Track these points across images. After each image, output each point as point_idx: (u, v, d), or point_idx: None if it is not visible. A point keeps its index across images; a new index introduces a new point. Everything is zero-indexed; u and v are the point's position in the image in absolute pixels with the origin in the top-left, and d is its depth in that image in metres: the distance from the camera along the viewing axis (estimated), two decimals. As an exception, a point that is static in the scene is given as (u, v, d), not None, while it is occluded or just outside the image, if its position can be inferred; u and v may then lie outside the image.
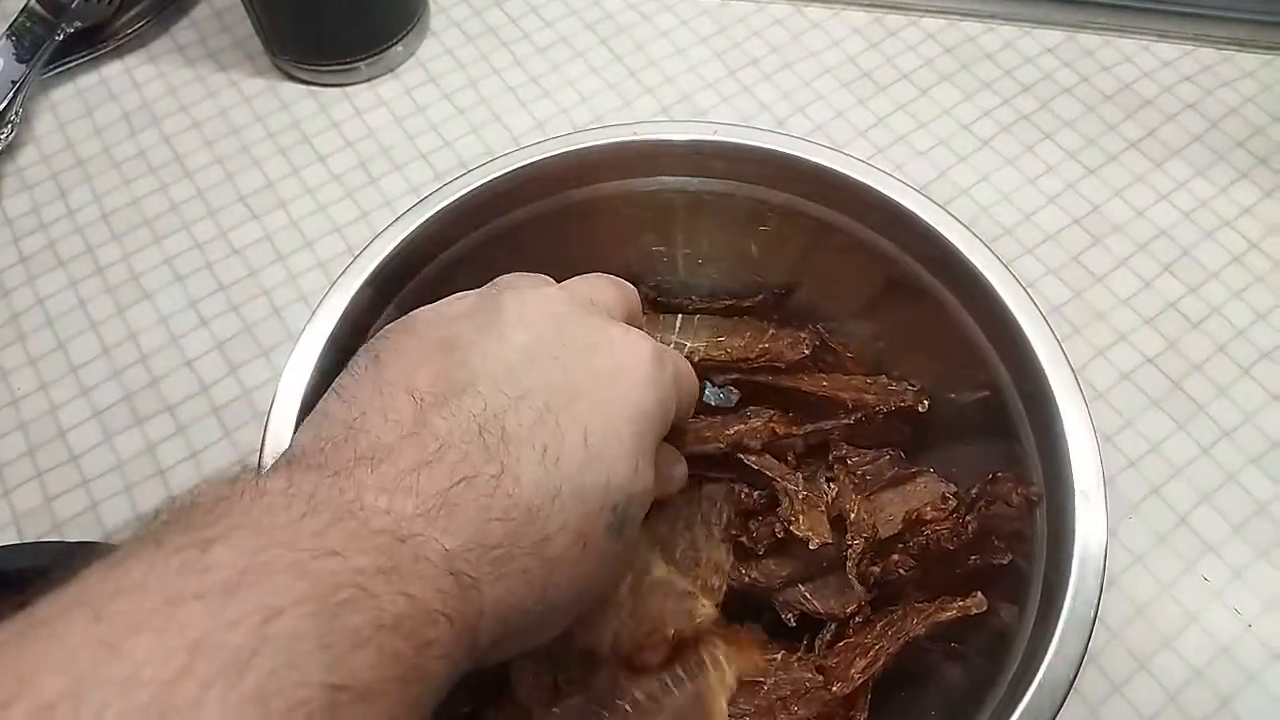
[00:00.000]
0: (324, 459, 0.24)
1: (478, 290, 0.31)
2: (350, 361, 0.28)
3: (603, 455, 0.26)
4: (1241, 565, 0.43)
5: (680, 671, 0.35)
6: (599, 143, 0.38)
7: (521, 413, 0.26)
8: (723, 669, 0.35)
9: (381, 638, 0.20)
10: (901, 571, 0.36)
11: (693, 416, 0.36)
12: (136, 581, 0.19)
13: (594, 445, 0.26)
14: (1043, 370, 0.32)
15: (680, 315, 0.43)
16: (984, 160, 0.54)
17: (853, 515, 0.36)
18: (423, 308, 0.30)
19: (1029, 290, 0.34)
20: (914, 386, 0.39)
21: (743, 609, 0.37)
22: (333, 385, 0.27)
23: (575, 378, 0.27)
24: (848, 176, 0.37)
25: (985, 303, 0.35)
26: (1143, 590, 0.42)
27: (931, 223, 0.36)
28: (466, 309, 0.29)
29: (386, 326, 0.29)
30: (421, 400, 0.25)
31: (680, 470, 0.34)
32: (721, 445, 0.37)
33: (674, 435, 0.32)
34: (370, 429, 0.24)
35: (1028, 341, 0.33)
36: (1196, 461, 0.45)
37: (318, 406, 0.27)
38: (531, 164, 0.38)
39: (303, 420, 0.28)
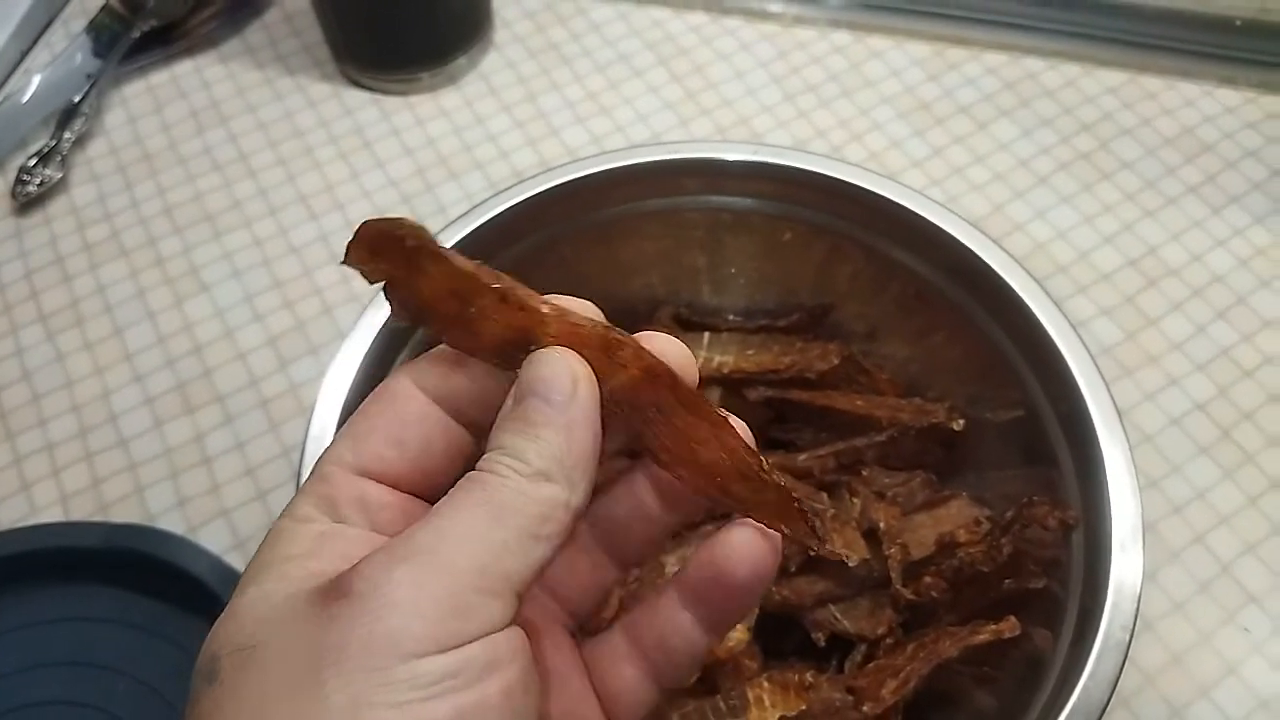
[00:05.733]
0: None
1: None
2: None
3: None
4: (1286, 618, 0.42)
5: (722, 705, 0.35)
6: (643, 160, 0.39)
7: None
8: (765, 709, 0.35)
9: None
10: (934, 594, 0.36)
11: None
12: None
13: None
14: (1081, 395, 0.32)
15: (708, 333, 0.43)
16: (1040, 197, 0.53)
17: (883, 525, 0.36)
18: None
19: (1066, 314, 0.34)
20: (947, 404, 0.39)
21: (774, 628, 0.37)
22: None
23: None
24: (883, 197, 0.37)
25: (1024, 327, 0.35)
26: (1181, 638, 0.41)
27: (969, 244, 0.36)
28: None
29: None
30: None
31: None
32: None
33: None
34: None
35: (1067, 366, 0.33)
36: (1243, 511, 0.44)
37: None
38: (577, 179, 0.39)
39: (344, 420, 0.28)
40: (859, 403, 0.41)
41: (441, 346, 0.24)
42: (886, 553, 0.36)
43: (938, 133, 0.56)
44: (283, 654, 0.20)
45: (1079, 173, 0.54)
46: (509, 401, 0.22)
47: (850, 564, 0.35)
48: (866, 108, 0.58)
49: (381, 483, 0.23)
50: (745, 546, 0.23)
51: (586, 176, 0.39)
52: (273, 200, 0.55)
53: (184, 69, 0.62)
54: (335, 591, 0.20)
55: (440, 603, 0.19)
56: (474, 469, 0.22)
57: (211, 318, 0.52)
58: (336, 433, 0.24)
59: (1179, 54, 0.59)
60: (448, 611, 0.19)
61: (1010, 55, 0.59)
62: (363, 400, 0.35)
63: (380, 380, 0.27)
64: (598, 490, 0.23)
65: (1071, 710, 0.28)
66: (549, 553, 0.21)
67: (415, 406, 0.23)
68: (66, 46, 0.62)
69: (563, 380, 0.22)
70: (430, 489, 0.24)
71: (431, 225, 0.53)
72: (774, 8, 0.63)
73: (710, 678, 0.37)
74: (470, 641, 0.19)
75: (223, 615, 0.21)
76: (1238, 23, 0.60)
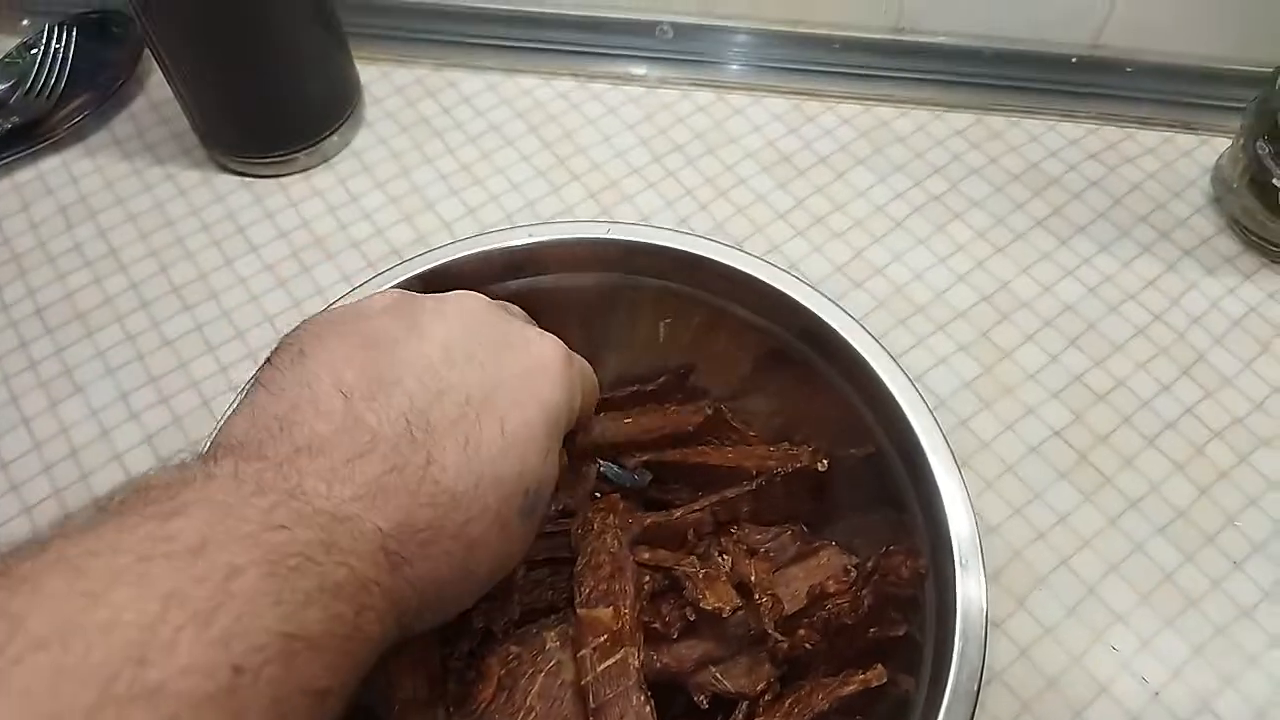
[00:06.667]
0: (263, 450, 0.26)
1: (395, 289, 0.34)
2: (272, 354, 0.29)
3: (518, 444, 0.29)
4: (1149, 634, 0.44)
5: None
6: (502, 245, 0.40)
7: (444, 406, 0.28)
8: None
9: (326, 599, 0.23)
10: (808, 646, 0.37)
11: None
12: (109, 544, 0.21)
13: (510, 435, 0.29)
14: (919, 442, 0.34)
15: None
16: (897, 240, 0.56)
17: (753, 577, 0.37)
18: (343, 304, 0.32)
19: (897, 360, 0.36)
20: (811, 448, 0.41)
21: (659, 695, 0.38)
22: (257, 377, 0.28)
23: (492, 373, 0.29)
24: (729, 266, 0.39)
25: (866, 382, 0.37)
26: (1053, 662, 0.43)
27: (810, 306, 0.38)
28: (386, 306, 0.31)
29: (305, 320, 0.30)
30: (350, 395, 0.27)
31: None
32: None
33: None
34: (303, 421, 0.26)
35: (904, 416, 0.35)
36: (1104, 532, 0.46)
37: (246, 397, 0.28)
38: (441, 264, 0.39)
39: None
40: (730, 454, 0.43)
41: None
42: (758, 602, 0.37)
43: (800, 184, 0.58)
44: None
45: (932, 214, 0.57)
46: None
47: (724, 615, 0.36)
48: (731, 163, 0.60)
49: None
50: None
51: (450, 261, 0.40)
52: (144, 293, 0.55)
53: (50, 165, 0.61)
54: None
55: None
56: None
57: (87, 419, 0.51)
58: None
59: (1022, 92, 0.62)
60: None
61: (864, 105, 0.62)
62: (247, 390, 0.37)
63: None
64: None
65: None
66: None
67: None
68: (-74, 148, 0.61)
69: None
70: None
71: (311, 306, 0.54)
72: (638, 70, 0.64)
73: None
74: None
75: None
76: (1073, 60, 0.63)
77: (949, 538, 0.33)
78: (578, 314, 0.43)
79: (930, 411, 0.35)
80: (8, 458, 0.50)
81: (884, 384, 0.36)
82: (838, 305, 0.37)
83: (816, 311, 0.37)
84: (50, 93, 0.63)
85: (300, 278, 0.56)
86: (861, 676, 0.34)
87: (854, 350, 0.36)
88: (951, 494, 0.33)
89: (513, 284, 0.41)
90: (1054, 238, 0.56)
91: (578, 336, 0.44)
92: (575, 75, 0.65)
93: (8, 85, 0.64)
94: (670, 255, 0.40)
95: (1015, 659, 0.43)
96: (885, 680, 0.34)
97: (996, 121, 0.61)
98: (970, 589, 0.32)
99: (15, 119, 0.62)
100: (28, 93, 0.63)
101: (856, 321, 0.37)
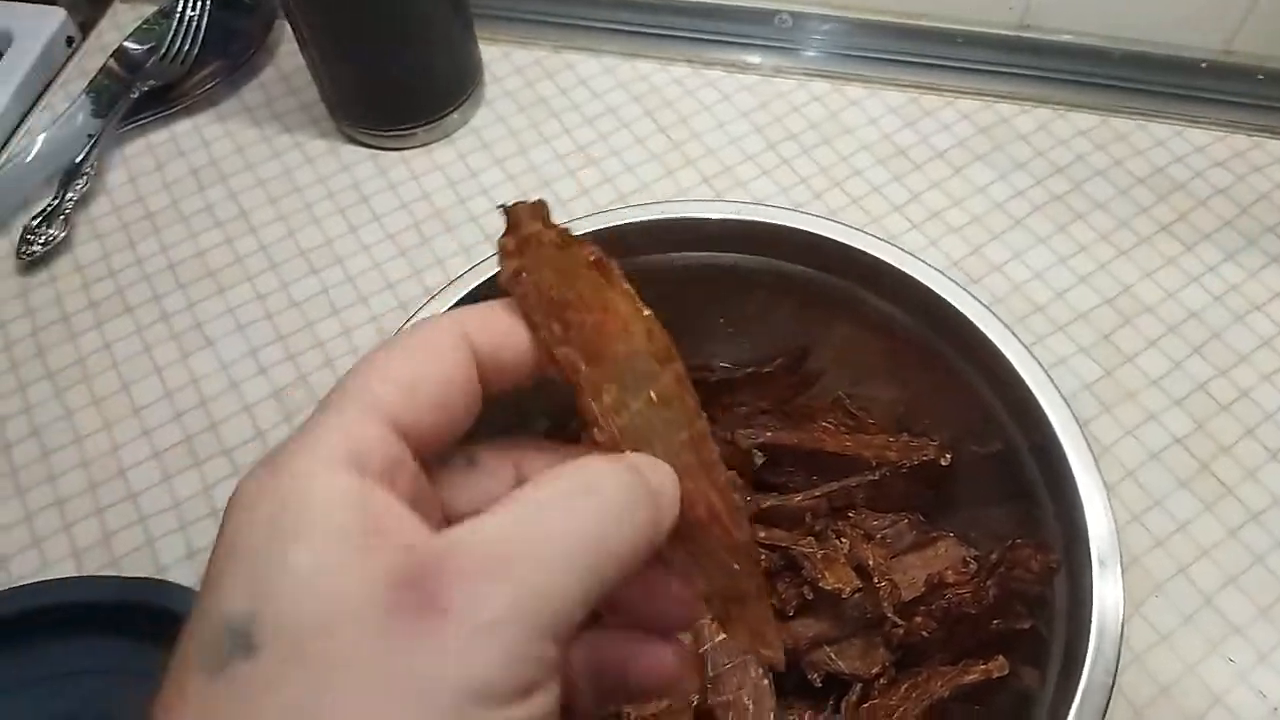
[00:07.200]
0: None
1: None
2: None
3: None
4: (1268, 648, 0.43)
5: None
6: (636, 219, 0.40)
7: None
8: None
9: None
10: (924, 634, 0.37)
11: None
12: None
13: None
14: (1056, 437, 0.34)
15: None
16: (1017, 238, 0.55)
17: (871, 561, 0.37)
18: None
19: (1040, 355, 0.36)
20: (935, 441, 0.41)
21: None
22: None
23: None
24: (858, 250, 0.39)
25: (998, 370, 0.37)
26: (1167, 670, 0.43)
27: (941, 292, 0.38)
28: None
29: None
30: None
31: None
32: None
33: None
34: None
35: (1040, 409, 0.35)
36: (1224, 543, 0.46)
37: None
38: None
39: None
40: (848, 443, 0.43)
41: (497, 301, 0.22)
42: (877, 585, 0.37)
43: (915, 178, 0.58)
44: (353, 659, 0.16)
45: (1054, 214, 0.56)
46: None
47: (844, 595, 0.37)
48: (846, 154, 0.60)
49: (411, 444, 0.20)
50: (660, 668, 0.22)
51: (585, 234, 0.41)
52: (274, 255, 0.57)
53: (183, 128, 0.64)
54: (423, 598, 0.17)
55: (529, 638, 0.17)
56: (603, 450, 0.21)
57: (217, 372, 0.53)
58: (363, 364, 0.20)
59: (1148, 95, 0.61)
60: (532, 649, 0.17)
61: (983, 101, 0.61)
62: None
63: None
64: None
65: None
66: (615, 580, 0.19)
67: (463, 366, 0.21)
68: (67, 107, 0.63)
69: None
70: (435, 452, 0.21)
71: (431, 276, 0.55)
72: (753, 59, 0.65)
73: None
74: (536, 690, 0.17)
75: (251, 573, 0.17)
76: (1203, 65, 0.62)
77: (1085, 534, 0.32)
78: (702, 292, 0.43)
79: (1067, 404, 0.34)
80: (140, 404, 0.52)
81: (1019, 376, 0.35)
82: (970, 294, 0.37)
83: (950, 299, 0.37)
84: (184, 59, 0.65)
85: (420, 248, 0.57)
86: (983, 666, 0.35)
87: (988, 340, 0.36)
88: (1089, 490, 0.33)
89: (641, 260, 0.42)
90: (1179, 243, 0.55)
91: (699, 316, 0.45)
92: (691, 62, 0.65)
93: (144, 49, 0.66)
94: (800, 236, 0.40)
95: (1129, 664, 0.43)
96: (1007, 672, 0.34)
97: (1121, 124, 0.60)
98: (1107, 586, 0.32)
99: (151, 82, 0.64)
100: (163, 58, 0.65)
101: (991, 311, 0.37)
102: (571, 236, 0.22)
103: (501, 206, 0.23)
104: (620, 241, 0.41)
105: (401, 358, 0.20)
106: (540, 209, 0.22)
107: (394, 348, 0.20)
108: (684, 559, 0.22)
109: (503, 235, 0.23)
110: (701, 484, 0.22)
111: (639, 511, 0.20)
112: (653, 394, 0.22)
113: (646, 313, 0.22)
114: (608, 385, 0.22)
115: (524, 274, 0.22)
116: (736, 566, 0.22)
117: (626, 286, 0.22)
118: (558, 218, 0.23)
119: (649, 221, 0.41)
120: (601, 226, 0.41)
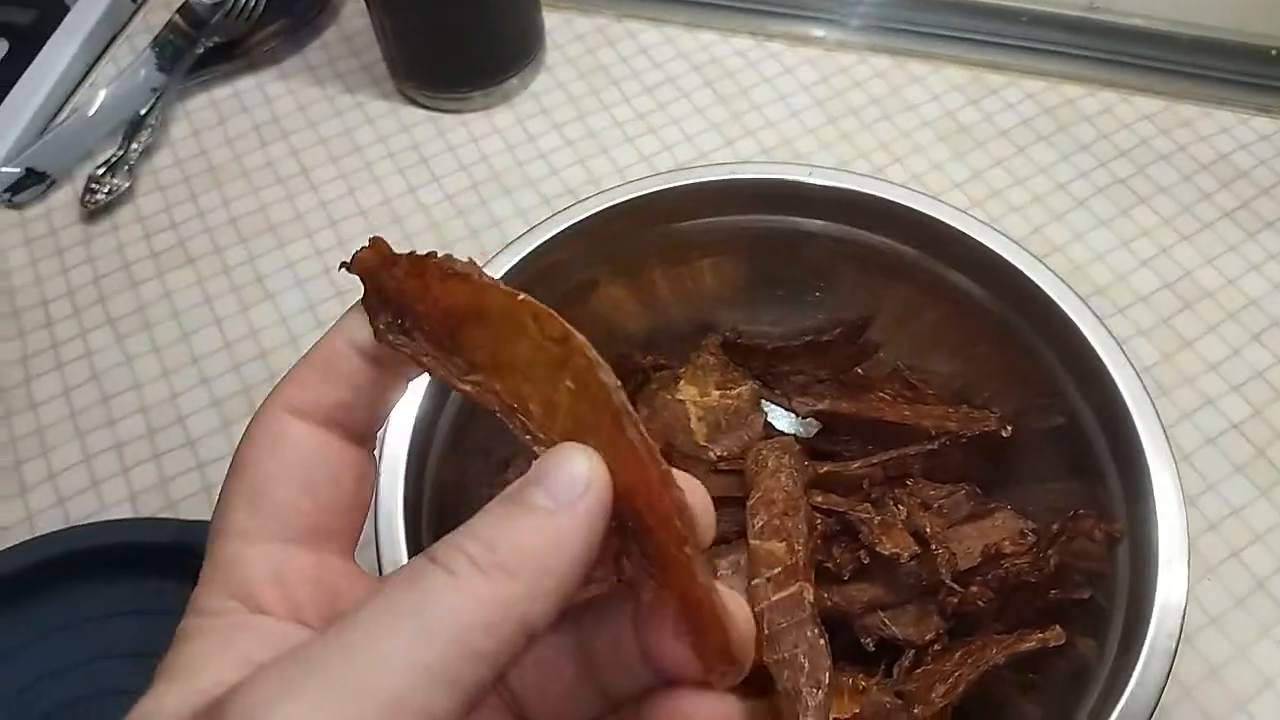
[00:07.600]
0: None
1: None
2: None
3: None
4: (1320, 635, 0.43)
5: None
6: (703, 180, 0.40)
7: None
8: None
9: None
10: (980, 603, 0.37)
11: None
12: None
13: None
14: (1128, 411, 0.34)
15: None
16: (1079, 219, 0.55)
17: (929, 529, 0.37)
18: None
19: (1105, 323, 0.35)
20: (995, 413, 0.41)
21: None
22: None
23: None
24: (929, 216, 0.39)
25: (1070, 343, 0.36)
26: (1218, 651, 0.43)
27: (1015, 261, 0.37)
28: None
29: None
30: None
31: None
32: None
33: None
34: None
35: (1113, 383, 0.34)
36: (1277, 528, 0.45)
37: None
38: (642, 195, 0.40)
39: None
40: (906, 412, 0.43)
41: (305, 360, 0.22)
42: (935, 551, 0.37)
43: (977, 155, 0.58)
44: None
45: (1116, 197, 0.56)
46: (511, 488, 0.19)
47: (901, 560, 0.37)
48: (907, 130, 0.59)
49: (295, 544, 0.20)
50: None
51: (648, 195, 0.41)
52: (333, 213, 0.57)
53: (246, 85, 0.64)
54: None
55: None
56: (422, 555, 0.18)
57: (276, 324, 0.53)
58: (224, 494, 0.21)
59: (1214, 82, 0.61)
60: None
61: (1048, 81, 0.61)
62: (424, 396, 0.36)
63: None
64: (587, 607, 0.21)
65: (1118, 718, 0.29)
66: (488, 677, 0.17)
67: (308, 439, 0.21)
68: (132, 61, 0.64)
69: (577, 477, 0.18)
70: (345, 532, 0.21)
71: (489, 238, 0.55)
72: (816, 32, 0.64)
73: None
74: None
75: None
76: (1273, 52, 0.61)
77: (1153, 506, 0.32)
78: (763, 257, 0.43)
79: (1139, 377, 0.34)
80: (199, 353, 0.53)
81: (1092, 348, 0.35)
82: (1044, 264, 0.37)
83: (1022, 268, 0.37)
84: (249, 15, 0.66)
85: (478, 209, 0.57)
86: (1040, 635, 0.34)
87: (1061, 310, 0.36)
88: (1159, 465, 0.33)
89: (702, 223, 0.42)
90: (1242, 231, 0.54)
91: (750, 280, 0.45)
92: (753, 34, 0.65)
93: (210, 5, 0.67)
94: (870, 201, 0.40)
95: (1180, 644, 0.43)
96: (1063, 641, 0.34)
97: (1187, 109, 0.59)
98: (1174, 555, 0.31)
99: (216, 38, 0.65)
100: (228, 14, 0.66)
101: (1064, 282, 0.37)
102: (420, 257, 0.21)
103: (343, 265, 0.22)
104: (695, 197, 0.41)
105: (244, 469, 0.21)
106: (381, 247, 0.21)
107: (239, 465, 0.21)
108: (638, 564, 0.20)
109: (362, 296, 0.22)
110: (637, 470, 0.19)
111: (483, 605, 0.17)
112: (569, 382, 0.20)
113: (522, 297, 0.20)
114: (528, 391, 0.20)
115: (399, 321, 0.21)
116: (688, 552, 0.19)
117: (490, 279, 0.20)
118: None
119: (718, 181, 0.41)
120: (666, 186, 0.41)
